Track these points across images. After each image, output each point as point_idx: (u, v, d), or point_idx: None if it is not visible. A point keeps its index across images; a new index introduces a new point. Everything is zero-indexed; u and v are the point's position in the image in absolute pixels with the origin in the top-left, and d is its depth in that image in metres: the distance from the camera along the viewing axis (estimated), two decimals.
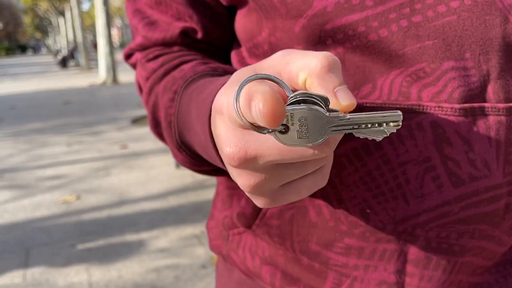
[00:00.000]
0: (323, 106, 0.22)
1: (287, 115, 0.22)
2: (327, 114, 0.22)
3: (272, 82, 0.23)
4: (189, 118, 0.36)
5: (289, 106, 0.22)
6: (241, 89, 0.22)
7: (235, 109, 0.22)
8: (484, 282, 0.37)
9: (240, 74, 0.27)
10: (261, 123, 0.20)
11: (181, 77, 0.40)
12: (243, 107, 0.21)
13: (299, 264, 0.40)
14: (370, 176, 0.33)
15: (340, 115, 0.22)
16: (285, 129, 0.22)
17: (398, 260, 0.35)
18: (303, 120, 0.22)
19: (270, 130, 0.22)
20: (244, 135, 0.24)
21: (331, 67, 0.23)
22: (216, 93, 0.32)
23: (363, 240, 0.36)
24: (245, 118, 0.22)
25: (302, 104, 0.22)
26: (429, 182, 0.32)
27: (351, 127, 0.22)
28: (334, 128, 0.22)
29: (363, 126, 0.22)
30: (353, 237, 0.36)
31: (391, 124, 0.22)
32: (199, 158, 0.41)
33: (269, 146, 0.23)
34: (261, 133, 0.22)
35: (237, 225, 0.44)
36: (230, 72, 0.40)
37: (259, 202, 0.27)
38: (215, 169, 0.43)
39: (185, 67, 0.41)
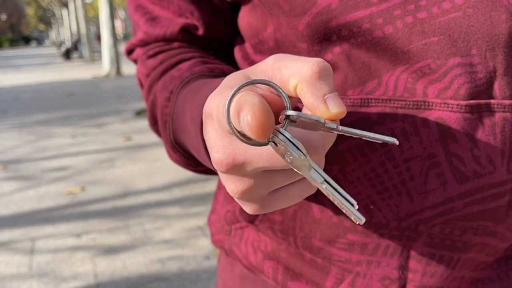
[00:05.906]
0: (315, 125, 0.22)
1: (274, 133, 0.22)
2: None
3: (264, 87, 0.23)
4: (184, 119, 0.36)
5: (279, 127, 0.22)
6: (233, 96, 0.21)
7: (226, 117, 0.22)
8: (486, 278, 0.37)
9: (232, 79, 0.27)
10: (249, 134, 0.20)
11: (178, 76, 0.40)
12: (233, 116, 0.21)
13: (301, 259, 0.40)
14: (374, 172, 0.33)
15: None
16: (274, 143, 0.22)
17: (401, 256, 0.35)
18: (288, 153, 0.21)
19: (257, 143, 0.22)
20: (233, 141, 0.24)
21: (322, 74, 0.23)
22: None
23: (366, 236, 0.36)
24: (235, 127, 0.22)
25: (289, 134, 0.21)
26: (433, 179, 0.32)
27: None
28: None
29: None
30: (357, 233, 0.36)
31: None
32: (193, 159, 0.41)
33: (257, 152, 0.23)
34: (249, 144, 0.22)
35: (240, 220, 0.44)
36: (228, 73, 0.40)
37: (248, 208, 0.27)
38: (210, 169, 0.43)
39: (183, 66, 0.41)
